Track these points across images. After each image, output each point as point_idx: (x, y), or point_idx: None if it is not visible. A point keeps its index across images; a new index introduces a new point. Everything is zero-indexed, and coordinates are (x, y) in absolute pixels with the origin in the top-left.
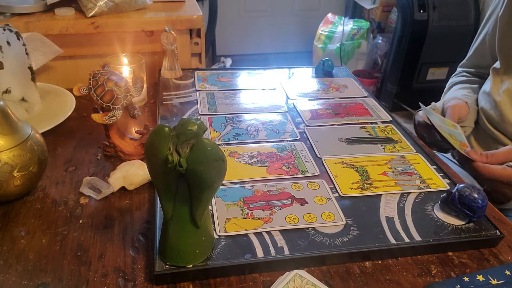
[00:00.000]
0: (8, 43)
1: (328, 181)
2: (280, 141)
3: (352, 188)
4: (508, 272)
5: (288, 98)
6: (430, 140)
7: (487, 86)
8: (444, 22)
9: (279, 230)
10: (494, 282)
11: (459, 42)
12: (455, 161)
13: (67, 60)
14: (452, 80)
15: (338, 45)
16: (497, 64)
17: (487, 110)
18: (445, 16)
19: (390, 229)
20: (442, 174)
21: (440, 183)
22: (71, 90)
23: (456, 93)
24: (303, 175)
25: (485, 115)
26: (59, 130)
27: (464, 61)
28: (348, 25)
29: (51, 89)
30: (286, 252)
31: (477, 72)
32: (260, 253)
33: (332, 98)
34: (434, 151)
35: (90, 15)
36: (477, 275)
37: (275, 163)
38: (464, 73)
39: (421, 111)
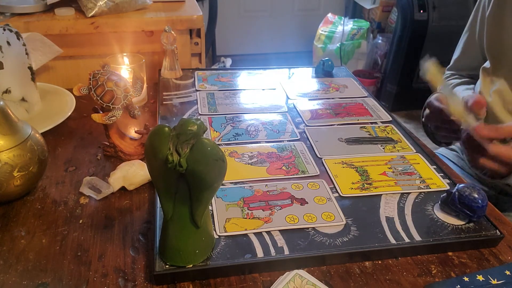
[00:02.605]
0: (8, 43)
1: (328, 181)
2: (280, 141)
3: (352, 188)
4: (508, 272)
5: (288, 98)
6: (436, 124)
7: (477, 86)
8: (444, 22)
9: (279, 230)
10: (494, 282)
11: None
12: (455, 161)
13: (67, 60)
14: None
15: (338, 45)
16: (486, 64)
17: None
18: (445, 16)
19: (390, 229)
20: (442, 174)
21: (440, 183)
22: (71, 90)
23: (463, 94)
24: (303, 175)
25: None
26: (59, 130)
27: (451, 64)
28: (348, 25)
29: (51, 89)
30: (286, 252)
31: (468, 74)
32: (260, 253)
33: (332, 98)
34: (435, 150)
35: (90, 15)
36: (477, 275)
37: (275, 163)
38: (457, 76)
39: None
